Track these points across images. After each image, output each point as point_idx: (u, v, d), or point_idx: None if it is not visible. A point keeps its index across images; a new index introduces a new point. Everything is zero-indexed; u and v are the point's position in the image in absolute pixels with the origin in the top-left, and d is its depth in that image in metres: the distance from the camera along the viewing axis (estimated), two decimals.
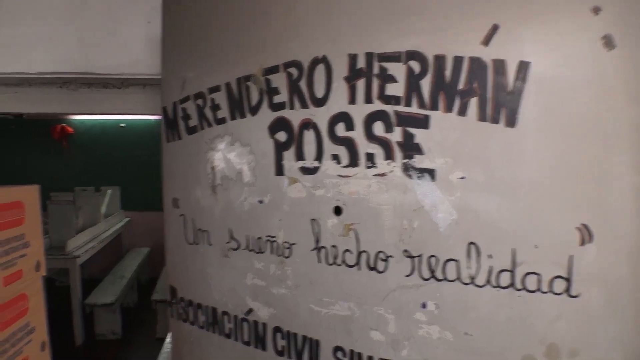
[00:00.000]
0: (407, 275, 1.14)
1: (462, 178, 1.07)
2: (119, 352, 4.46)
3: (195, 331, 1.55)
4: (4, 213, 1.43)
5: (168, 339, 2.64)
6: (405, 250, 1.14)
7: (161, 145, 1.61)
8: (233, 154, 1.39)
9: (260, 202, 1.34)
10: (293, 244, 1.30)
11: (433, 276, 1.11)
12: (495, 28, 1.02)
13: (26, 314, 1.56)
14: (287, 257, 1.31)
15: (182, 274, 1.58)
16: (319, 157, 1.24)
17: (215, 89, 1.42)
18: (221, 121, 1.42)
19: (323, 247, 1.25)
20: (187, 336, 1.59)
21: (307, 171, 1.26)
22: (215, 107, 1.42)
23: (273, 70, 1.30)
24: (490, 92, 1.03)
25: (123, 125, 6.56)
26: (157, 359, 2.57)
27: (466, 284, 1.08)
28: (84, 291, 4.59)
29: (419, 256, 1.13)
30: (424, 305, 1.13)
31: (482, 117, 1.04)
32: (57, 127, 6.37)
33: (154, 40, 2.83)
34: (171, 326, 1.68)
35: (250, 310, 1.41)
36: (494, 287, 1.05)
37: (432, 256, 1.11)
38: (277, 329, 1.36)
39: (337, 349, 1.26)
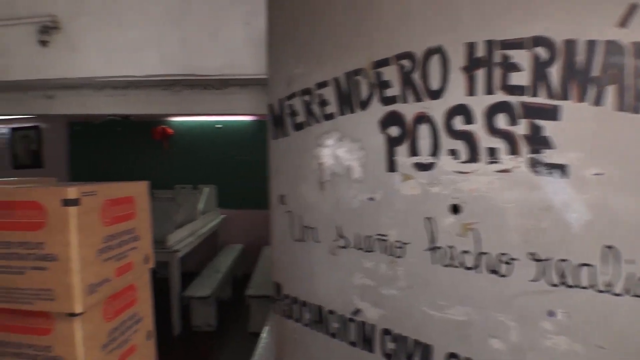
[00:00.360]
0: (533, 280, 1.05)
1: (598, 174, 0.96)
2: (214, 344, 4.60)
3: (300, 329, 1.54)
4: (118, 207, 1.49)
5: (264, 334, 2.68)
6: (532, 253, 1.05)
7: (267, 142, 1.62)
8: (342, 150, 1.36)
9: (371, 199, 1.31)
10: (406, 243, 1.24)
11: (563, 282, 1.02)
12: (633, 8, 0.91)
13: (135, 304, 1.63)
14: (398, 257, 1.26)
15: (288, 270, 1.57)
16: (434, 152, 1.18)
17: (322, 85, 1.40)
18: (329, 117, 1.39)
19: (438, 247, 1.19)
20: (290, 333, 1.59)
21: (422, 167, 1.20)
22: (323, 103, 1.40)
23: (384, 63, 1.26)
24: (630, 79, 0.92)
25: (219, 126, 6.78)
26: (252, 353, 2.61)
27: (601, 291, 0.98)
28: (181, 284, 4.78)
29: (547, 260, 1.03)
30: (551, 314, 1.04)
31: (621, 107, 0.94)
32: (159, 129, 6.72)
33: (252, 41, 2.88)
34: (274, 322, 1.69)
35: (357, 311, 1.37)
36: (635, 296, 0.94)
37: (563, 260, 1.01)
38: (386, 331, 1.32)
39: (451, 355, 1.19)
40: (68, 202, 1.26)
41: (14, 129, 7.66)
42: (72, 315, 1.28)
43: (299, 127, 1.49)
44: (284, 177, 1.56)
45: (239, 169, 6.77)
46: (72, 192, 1.27)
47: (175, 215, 5.02)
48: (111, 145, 7.06)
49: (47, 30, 2.94)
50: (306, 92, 1.45)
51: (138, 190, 1.66)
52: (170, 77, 2.96)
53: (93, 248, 1.34)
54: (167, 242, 4.56)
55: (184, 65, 2.93)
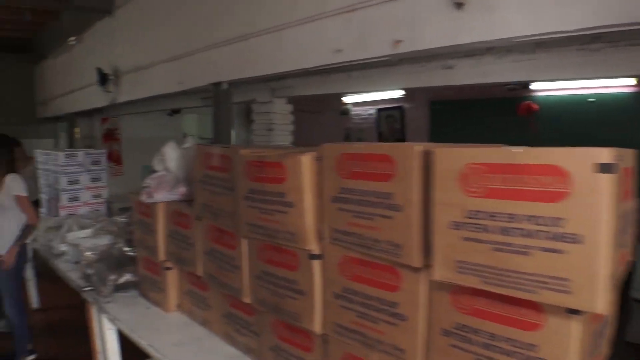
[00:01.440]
0: None
1: None
2: None
3: None
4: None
5: None
6: None
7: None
8: None
9: None
10: None
11: None
12: None
13: None
14: None
15: None
16: None
17: None
18: None
19: None
20: None
21: None
22: None
23: None
24: None
25: (592, 100, 5.86)
26: None
27: None
28: None
29: None
30: None
31: None
32: (523, 105, 6.24)
33: None
34: None
35: None
36: None
37: None
38: None
39: None
40: (603, 168, 0.97)
41: (379, 110, 8.38)
42: (575, 312, 0.99)
43: None
44: None
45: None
46: (605, 155, 0.98)
47: None
48: (471, 122, 6.95)
49: None
50: None
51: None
52: (605, 30, 2.42)
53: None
54: None
55: (616, 14, 2.36)
